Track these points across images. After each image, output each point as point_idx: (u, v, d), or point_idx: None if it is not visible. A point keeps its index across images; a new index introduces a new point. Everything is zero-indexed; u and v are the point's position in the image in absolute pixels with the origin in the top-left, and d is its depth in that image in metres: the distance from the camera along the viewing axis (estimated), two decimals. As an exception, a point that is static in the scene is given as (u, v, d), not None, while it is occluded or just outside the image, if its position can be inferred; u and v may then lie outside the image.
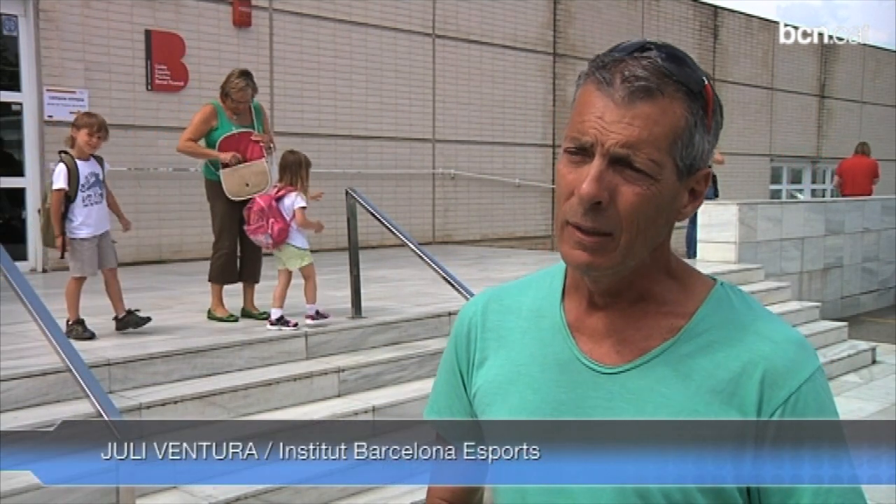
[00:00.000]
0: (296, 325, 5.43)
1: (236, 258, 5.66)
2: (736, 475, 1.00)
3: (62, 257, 5.09)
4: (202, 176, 5.74)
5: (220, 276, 5.63)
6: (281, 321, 5.43)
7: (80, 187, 4.97)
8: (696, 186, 1.06)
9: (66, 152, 5.05)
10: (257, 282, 5.86)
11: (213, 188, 5.62)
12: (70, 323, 5.04)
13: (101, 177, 5.13)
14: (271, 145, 5.84)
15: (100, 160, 5.16)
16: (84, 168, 5.01)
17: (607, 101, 1.00)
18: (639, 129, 0.98)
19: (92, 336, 5.00)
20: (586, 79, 1.04)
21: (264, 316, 5.65)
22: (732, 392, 1.01)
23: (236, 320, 5.58)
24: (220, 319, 5.56)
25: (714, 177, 11.81)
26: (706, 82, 1.03)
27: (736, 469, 1.00)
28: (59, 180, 4.92)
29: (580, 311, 1.12)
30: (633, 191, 1.00)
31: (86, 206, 5.00)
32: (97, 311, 5.31)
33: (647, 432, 1.02)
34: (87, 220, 5.00)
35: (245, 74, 5.69)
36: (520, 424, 1.10)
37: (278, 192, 5.55)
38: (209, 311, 5.64)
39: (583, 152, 1.01)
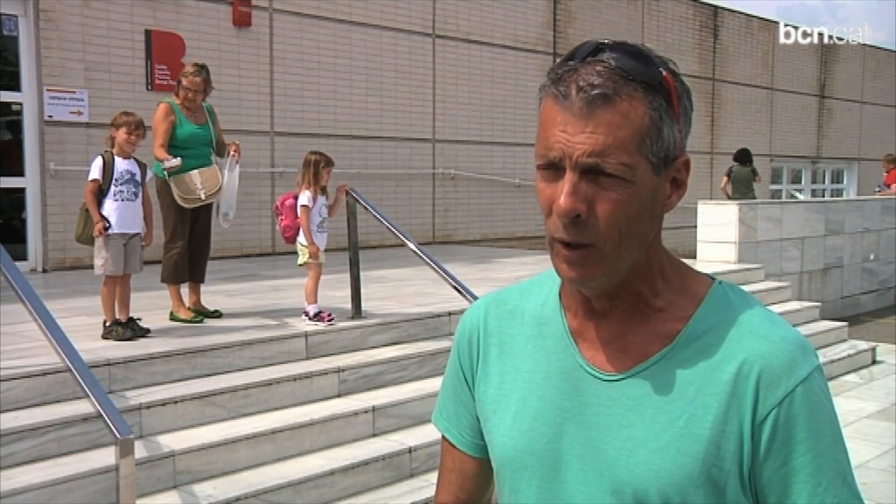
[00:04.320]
0: (331, 320, 5.51)
1: (187, 257, 5.64)
2: (734, 477, 1.01)
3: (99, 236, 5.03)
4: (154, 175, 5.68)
5: (174, 275, 5.61)
6: (317, 316, 5.52)
7: (113, 181, 5.00)
8: (678, 175, 1.06)
9: (107, 151, 5.13)
10: (202, 281, 5.86)
11: (165, 187, 5.57)
12: (107, 325, 5.03)
13: (137, 177, 5.15)
14: (234, 151, 5.77)
15: (142, 166, 5.21)
16: (121, 165, 5.06)
17: (567, 115, 0.99)
18: (603, 136, 0.98)
19: (132, 337, 4.97)
20: (545, 93, 1.03)
21: (216, 314, 5.73)
22: (730, 393, 1.01)
23: (201, 321, 5.56)
24: (185, 321, 5.52)
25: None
26: (664, 72, 1.02)
27: (734, 470, 1.00)
28: (94, 171, 5.00)
29: (581, 317, 1.13)
30: (610, 197, 0.99)
31: (116, 200, 5.02)
32: (133, 309, 5.26)
33: (644, 437, 1.03)
34: (116, 216, 5.00)
35: (199, 65, 5.70)
36: (520, 445, 1.11)
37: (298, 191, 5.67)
38: (171, 314, 5.60)
39: (553, 167, 1.01)
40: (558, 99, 1.01)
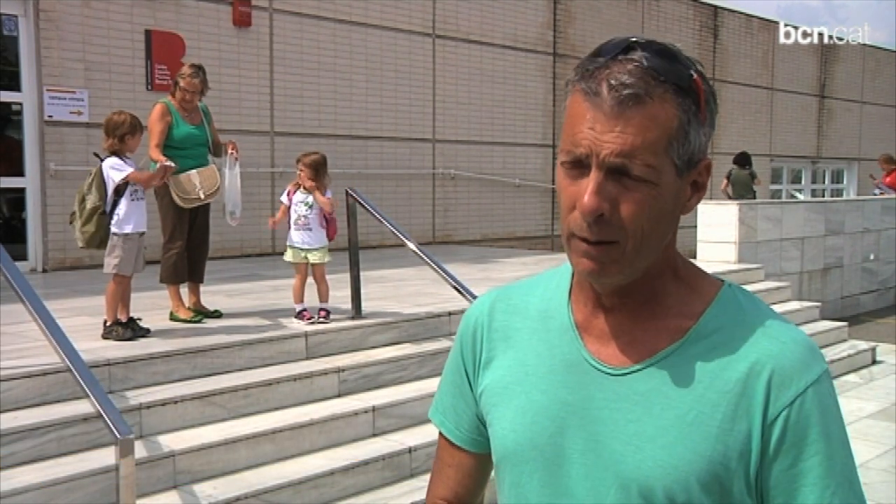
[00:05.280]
0: (310, 319, 5.55)
1: (186, 257, 5.64)
2: (740, 476, 1.00)
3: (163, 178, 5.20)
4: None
5: (174, 276, 5.61)
6: (299, 315, 5.61)
7: (128, 183, 5.01)
8: (699, 178, 1.06)
9: (97, 154, 5.11)
10: (202, 281, 5.86)
11: (164, 188, 5.56)
12: (108, 325, 5.02)
13: None
14: (231, 150, 5.80)
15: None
16: (131, 165, 5.08)
17: (597, 112, 0.98)
18: (632, 136, 0.97)
19: (132, 337, 4.97)
20: (573, 88, 1.03)
21: (216, 314, 5.75)
22: (740, 393, 1.01)
23: (200, 321, 5.56)
24: (185, 321, 5.52)
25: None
26: (694, 75, 1.02)
27: (740, 470, 1.00)
28: (127, 165, 4.99)
29: (588, 311, 1.12)
30: (634, 198, 0.99)
31: (132, 200, 5.05)
32: (133, 309, 5.27)
33: (652, 433, 1.02)
34: (132, 216, 5.02)
35: (197, 66, 5.71)
36: (521, 438, 1.11)
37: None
38: (171, 314, 5.60)
39: (579, 164, 1.01)
40: (588, 96, 1.00)
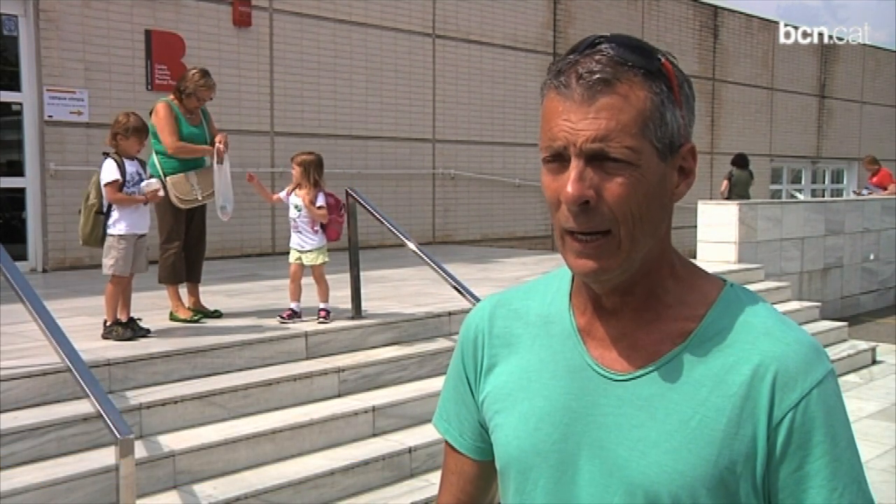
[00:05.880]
0: (287, 317, 5.59)
1: (184, 257, 5.63)
2: (746, 480, 1.00)
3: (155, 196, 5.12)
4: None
5: (172, 276, 5.61)
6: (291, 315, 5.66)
7: (125, 184, 4.99)
8: (684, 164, 1.06)
9: (107, 154, 5.11)
10: (199, 281, 5.86)
11: (162, 188, 5.56)
12: (108, 325, 5.02)
13: (144, 176, 5.17)
14: (219, 142, 5.77)
15: (142, 163, 5.22)
16: (129, 167, 5.06)
17: (569, 103, 1.00)
18: (605, 120, 0.98)
19: (132, 337, 4.97)
20: (547, 88, 1.04)
21: (216, 314, 5.76)
22: (744, 396, 1.00)
23: (200, 320, 5.56)
24: (185, 321, 5.52)
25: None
26: (663, 59, 1.03)
27: (747, 473, 1.00)
28: (112, 173, 4.95)
29: (589, 315, 1.11)
30: (617, 182, 0.99)
31: None
32: (133, 309, 5.26)
33: (656, 438, 1.02)
34: (127, 217, 5.00)
35: (207, 74, 5.71)
36: (525, 445, 1.10)
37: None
38: (171, 314, 5.60)
39: (559, 158, 1.01)
40: (560, 90, 1.01)
